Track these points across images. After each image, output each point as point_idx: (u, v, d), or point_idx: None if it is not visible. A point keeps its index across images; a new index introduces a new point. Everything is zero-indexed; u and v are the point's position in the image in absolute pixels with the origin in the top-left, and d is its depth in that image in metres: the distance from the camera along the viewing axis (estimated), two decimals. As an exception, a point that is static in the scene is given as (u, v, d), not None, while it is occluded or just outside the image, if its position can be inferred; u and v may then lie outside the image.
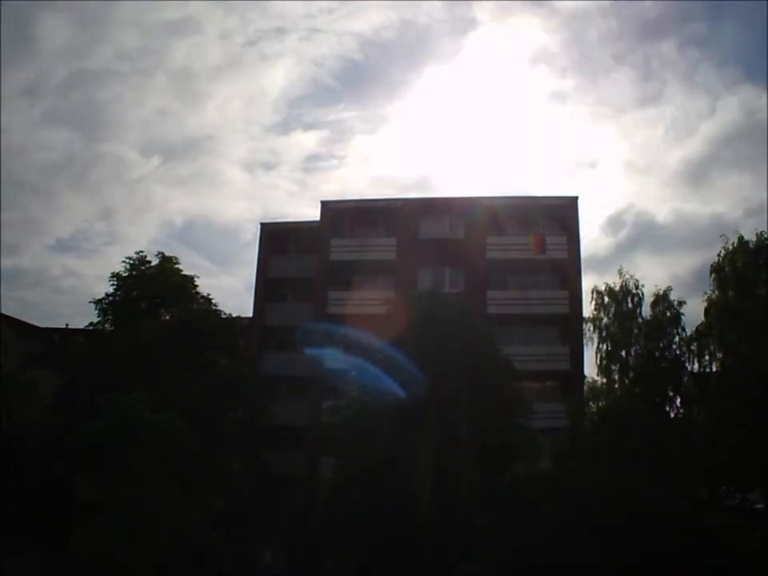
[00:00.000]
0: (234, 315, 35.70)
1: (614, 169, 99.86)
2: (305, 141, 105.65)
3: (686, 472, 20.48)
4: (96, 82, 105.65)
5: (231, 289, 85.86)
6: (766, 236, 29.24)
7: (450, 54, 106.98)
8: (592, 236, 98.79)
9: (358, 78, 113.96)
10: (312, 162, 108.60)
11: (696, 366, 30.80)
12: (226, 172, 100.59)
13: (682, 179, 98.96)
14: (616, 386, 31.25)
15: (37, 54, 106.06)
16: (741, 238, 29.50)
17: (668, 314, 31.57)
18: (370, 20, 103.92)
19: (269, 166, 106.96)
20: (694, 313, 31.48)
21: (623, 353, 31.68)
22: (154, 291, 32.59)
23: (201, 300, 34.11)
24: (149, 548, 20.87)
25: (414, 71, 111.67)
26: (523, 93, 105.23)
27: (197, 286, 34.16)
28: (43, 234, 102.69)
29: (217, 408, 32.25)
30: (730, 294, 29.25)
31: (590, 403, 31.51)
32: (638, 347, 31.61)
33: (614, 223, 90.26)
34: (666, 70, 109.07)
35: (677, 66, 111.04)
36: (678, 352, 31.12)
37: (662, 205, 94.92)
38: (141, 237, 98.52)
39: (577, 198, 41.94)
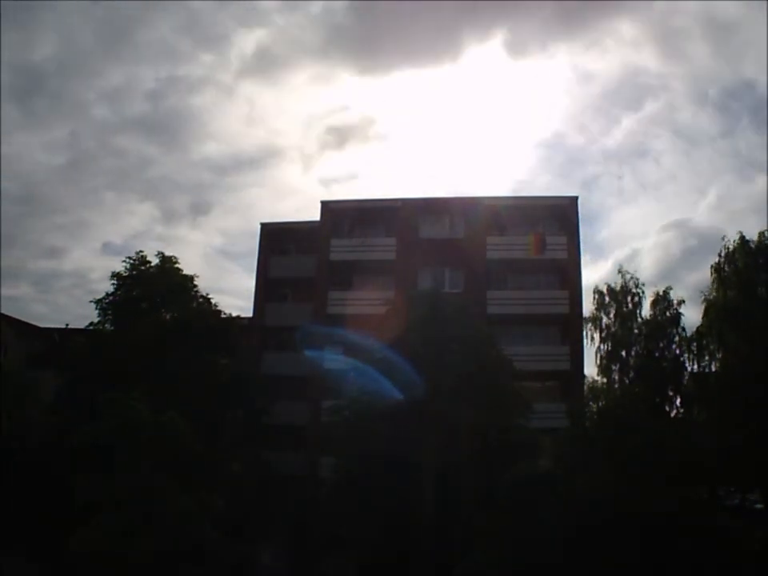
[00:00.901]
0: (233, 315, 35.73)
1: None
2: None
3: (686, 472, 20.45)
4: (187, 89, 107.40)
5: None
6: (767, 236, 29.21)
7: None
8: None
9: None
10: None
11: (696, 366, 30.82)
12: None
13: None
14: (616, 385, 31.25)
15: (132, 58, 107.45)
16: (742, 238, 29.48)
17: (668, 313, 31.58)
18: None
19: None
20: (693, 313, 31.53)
21: (623, 353, 31.68)
22: (154, 291, 32.58)
23: (201, 300, 34.12)
24: (149, 548, 20.85)
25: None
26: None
27: (196, 285, 34.21)
28: (91, 238, 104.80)
29: (217, 408, 32.27)
30: (730, 293, 29.23)
31: (590, 403, 31.50)
32: (638, 347, 31.62)
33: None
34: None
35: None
36: (677, 352, 31.13)
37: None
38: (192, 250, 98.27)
39: (577, 197, 41.96)
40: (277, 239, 44.35)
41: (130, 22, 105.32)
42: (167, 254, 34.18)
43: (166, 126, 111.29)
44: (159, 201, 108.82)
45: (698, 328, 30.46)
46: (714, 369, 30.00)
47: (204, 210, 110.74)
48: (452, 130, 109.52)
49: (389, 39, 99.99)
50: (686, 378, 31.08)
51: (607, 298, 32.78)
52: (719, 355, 29.80)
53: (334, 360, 38.67)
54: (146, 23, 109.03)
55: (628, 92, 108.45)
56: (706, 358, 30.33)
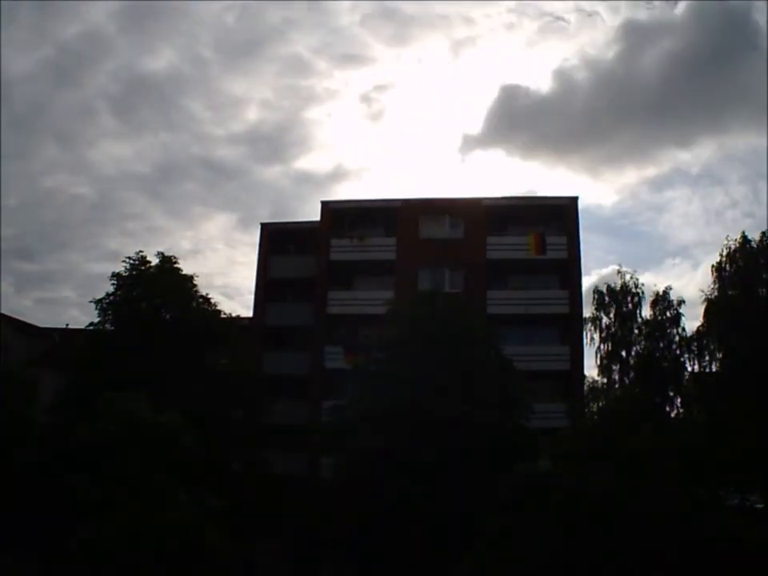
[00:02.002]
0: (233, 315, 35.73)
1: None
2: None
3: (686, 472, 20.45)
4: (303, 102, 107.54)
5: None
6: (768, 236, 29.24)
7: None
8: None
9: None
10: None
11: (696, 366, 30.84)
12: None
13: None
14: (616, 386, 31.27)
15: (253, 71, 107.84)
16: (744, 238, 29.49)
17: (668, 313, 31.59)
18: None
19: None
20: (693, 313, 31.54)
21: (623, 353, 31.71)
22: (154, 291, 32.57)
23: (201, 300, 34.11)
24: (149, 548, 20.85)
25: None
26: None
27: (196, 285, 34.21)
28: (158, 245, 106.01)
29: (217, 408, 32.27)
30: (731, 293, 29.23)
31: (590, 403, 31.52)
32: (638, 347, 31.65)
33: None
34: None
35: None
36: (678, 352, 31.14)
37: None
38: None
39: (577, 198, 41.98)
40: (277, 239, 44.36)
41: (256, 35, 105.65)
42: (167, 254, 34.24)
43: (269, 137, 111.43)
44: (240, 210, 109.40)
45: (698, 328, 30.49)
46: (714, 369, 30.00)
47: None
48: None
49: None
50: (686, 377, 31.09)
51: (607, 298, 32.78)
52: (719, 355, 29.80)
53: (334, 359, 38.82)
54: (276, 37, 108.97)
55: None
56: (706, 357, 30.36)
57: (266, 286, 43.08)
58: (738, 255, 29.38)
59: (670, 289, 32.22)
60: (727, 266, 29.64)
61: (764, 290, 28.83)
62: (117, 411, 22.75)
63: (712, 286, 29.98)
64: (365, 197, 47.29)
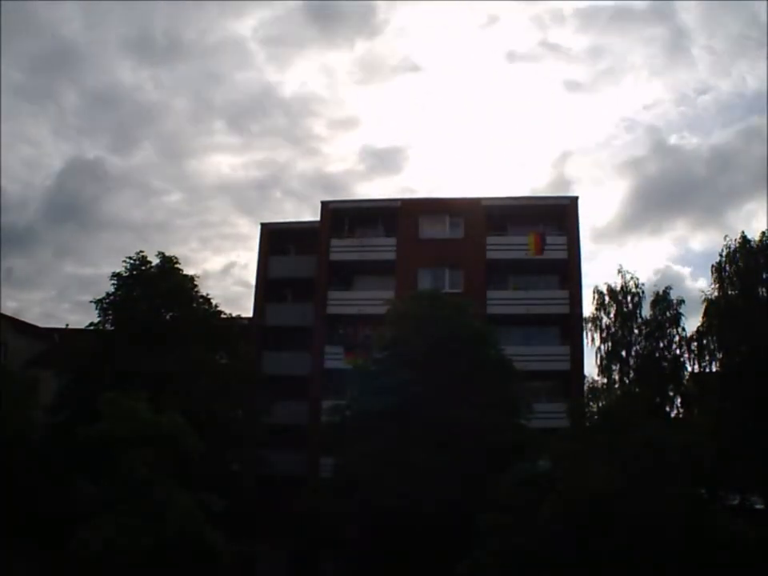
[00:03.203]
0: (233, 315, 35.73)
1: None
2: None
3: (685, 472, 20.45)
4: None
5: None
6: (768, 236, 29.22)
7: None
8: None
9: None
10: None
11: (696, 366, 30.83)
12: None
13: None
14: (616, 386, 31.26)
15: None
16: (744, 238, 29.48)
17: (668, 313, 31.58)
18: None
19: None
20: (694, 313, 31.52)
21: (623, 353, 31.70)
22: (154, 291, 32.56)
23: (201, 300, 34.10)
24: (149, 548, 20.84)
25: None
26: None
27: (197, 285, 34.20)
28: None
29: (217, 408, 32.25)
30: (731, 293, 29.23)
31: (590, 403, 31.51)
32: (638, 347, 31.64)
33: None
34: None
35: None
36: (677, 352, 31.15)
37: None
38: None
39: (577, 198, 41.99)
40: (277, 239, 44.37)
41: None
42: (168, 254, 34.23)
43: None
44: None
45: (698, 328, 30.46)
46: (714, 369, 29.99)
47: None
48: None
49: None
50: (686, 377, 31.08)
51: (607, 298, 32.77)
52: (719, 355, 29.79)
53: (334, 359, 38.84)
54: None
55: None
56: (706, 357, 30.33)
57: (266, 286, 43.08)
58: (737, 255, 29.36)
59: (670, 289, 32.22)
60: (727, 266, 29.62)
61: (764, 289, 28.82)
62: (117, 411, 22.72)
63: (712, 286, 29.99)
64: (365, 197, 47.25)
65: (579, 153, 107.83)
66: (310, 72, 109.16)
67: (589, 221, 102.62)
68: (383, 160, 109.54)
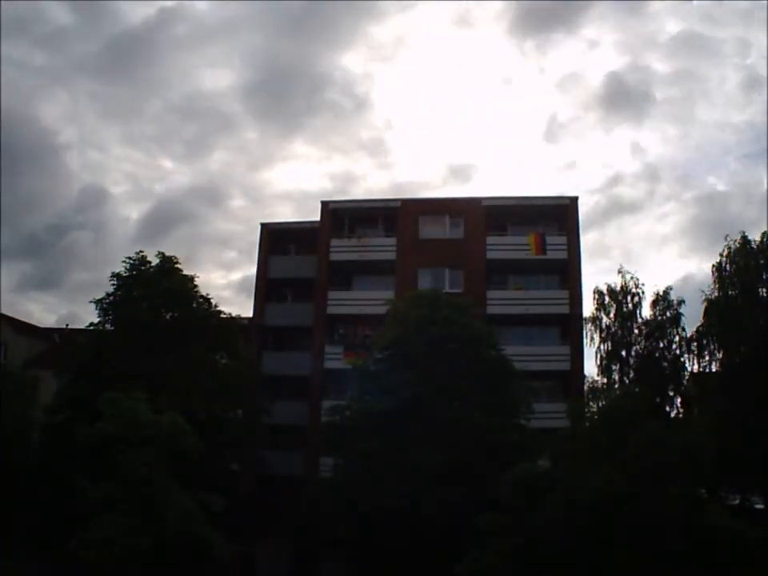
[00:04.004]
0: (233, 315, 35.71)
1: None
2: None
3: (686, 472, 20.45)
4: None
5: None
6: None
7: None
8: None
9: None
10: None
11: (696, 366, 30.80)
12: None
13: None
14: (616, 386, 31.22)
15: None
16: (744, 238, 29.44)
17: (668, 313, 31.56)
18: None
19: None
20: (694, 313, 31.47)
21: (623, 353, 31.66)
22: (154, 291, 32.55)
23: (201, 300, 34.09)
24: (148, 548, 20.84)
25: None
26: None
27: (197, 285, 34.17)
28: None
29: (217, 408, 32.26)
30: (731, 293, 29.20)
31: (590, 403, 31.48)
32: (638, 347, 31.60)
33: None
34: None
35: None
36: (677, 352, 31.11)
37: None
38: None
39: (577, 198, 41.95)
40: (277, 239, 44.37)
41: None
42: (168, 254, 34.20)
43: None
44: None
45: (698, 328, 30.43)
46: (714, 369, 29.96)
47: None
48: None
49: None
50: (686, 377, 31.05)
51: (607, 298, 32.74)
52: (719, 355, 29.76)
53: (334, 359, 38.84)
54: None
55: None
56: (706, 358, 30.31)
57: (266, 286, 43.07)
58: (738, 255, 29.33)
59: (671, 289, 32.20)
60: (727, 266, 29.59)
61: (764, 290, 28.79)
62: (117, 411, 22.72)
63: (712, 286, 29.94)
64: (365, 197, 47.22)
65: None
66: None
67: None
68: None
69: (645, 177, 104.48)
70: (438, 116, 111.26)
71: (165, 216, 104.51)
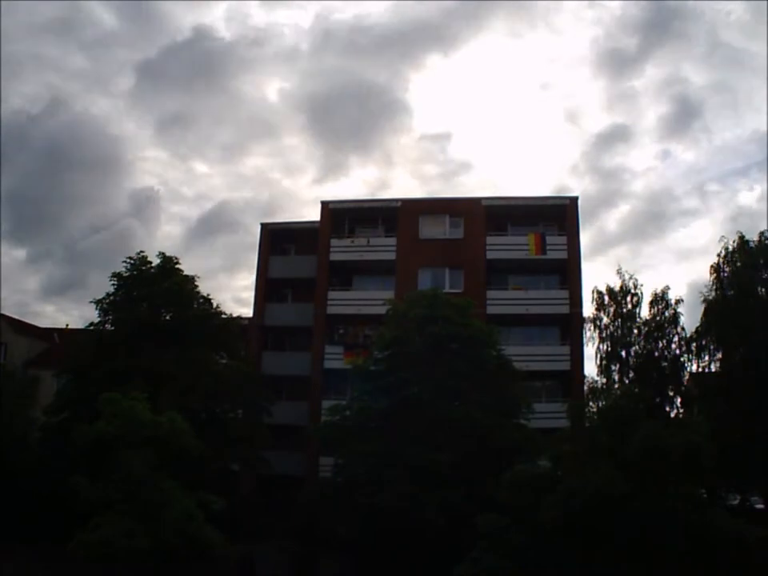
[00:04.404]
0: (234, 315, 35.73)
1: None
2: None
3: (686, 472, 20.44)
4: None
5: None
6: (767, 236, 29.13)
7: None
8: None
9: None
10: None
11: (696, 366, 30.76)
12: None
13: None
14: (616, 385, 31.18)
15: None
16: (742, 238, 29.42)
17: (667, 313, 31.54)
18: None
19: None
20: (694, 313, 31.44)
21: (623, 353, 31.62)
22: (154, 291, 32.54)
23: (201, 300, 34.08)
24: (148, 548, 20.84)
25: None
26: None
27: (197, 285, 34.17)
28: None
29: (217, 408, 32.26)
30: (730, 293, 29.17)
31: (590, 403, 31.45)
32: (637, 347, 31.56)
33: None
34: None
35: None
36: (677, 352, 31.06)
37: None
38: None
39: (577, 198, 41.95)
40: (277, 239, 44.38)
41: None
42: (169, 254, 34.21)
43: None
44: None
45: (697, 328, 30.40)
46: (713, 369, 29.94)
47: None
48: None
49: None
50: (686, 377, 31.03)
51: (607, 298, 32.71)
52: (719, 355, 29.74)
53: (334, 359, 38.85)
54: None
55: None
56: (706, 358, 30.28)
57: (266, 286, 43.08)
58: (736, 256, 29.30)
59: (669, 289, 32.17)
60: (726, 266, 29.57)
61: (763, 289, 28.76)
62: (117, 411, 22.72)
63: (710, 287, 29.91)
64: (365, 197, 47.21)
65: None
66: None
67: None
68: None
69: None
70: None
71: (215, 222, 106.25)
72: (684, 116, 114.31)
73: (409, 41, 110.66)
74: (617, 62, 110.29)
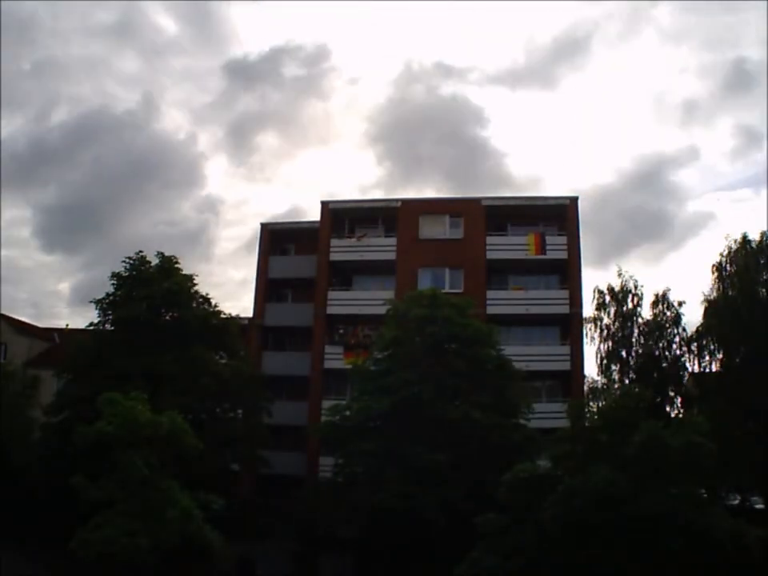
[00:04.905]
0: (233, 315, 35.72)
1: None
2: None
3: (686, 472, 20.43)
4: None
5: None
6: (769, 236, 29.13)
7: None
8: None
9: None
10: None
11: (696, 366, 30.76)
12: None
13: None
14: (616, 385, 31.18)
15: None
16: (744, 237, 29.41)
17: (668, 313, 31.53)
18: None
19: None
20: (694, 312, 31.46)
21: (623, 353, 31.62)
22: (154, 291, 32.55)
23: (201, 300, 34.09)
24: (148, 548, 20.84)
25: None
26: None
27: (196, 285, 34.17)
28: None
29: (217, 408, 32.26)
30: (731, 293, 29.17)
31: (590, 403, 31.45)
32: (637, 347, 31.56)
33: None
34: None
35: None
36: (677, 352, 31.07)
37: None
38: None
39: (577, 198, 41.89)
40: (277, 239, 44.38)
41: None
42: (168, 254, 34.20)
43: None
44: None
45: (697, 328, 30.40)
46: (714, 369, 29.94)
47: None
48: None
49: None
50: (686, 377, 31.02)
51: (607, 298, 32.70)
52: (719, 355, 29.74)
53: (334, 359, 38.85)
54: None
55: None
56: (706, 358, 30.27)
57: (266, 286, 43.08)
58: (737, 255, 29.29)
59: (669, 290, 32.17)
60: (727, 266, 29.56)
61: (764, 290, 28.75)
62: (117, 411, 22.72)
63: (712, 286, 29.92)
64: (365, 197, 47.21)
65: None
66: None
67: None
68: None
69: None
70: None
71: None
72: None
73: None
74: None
